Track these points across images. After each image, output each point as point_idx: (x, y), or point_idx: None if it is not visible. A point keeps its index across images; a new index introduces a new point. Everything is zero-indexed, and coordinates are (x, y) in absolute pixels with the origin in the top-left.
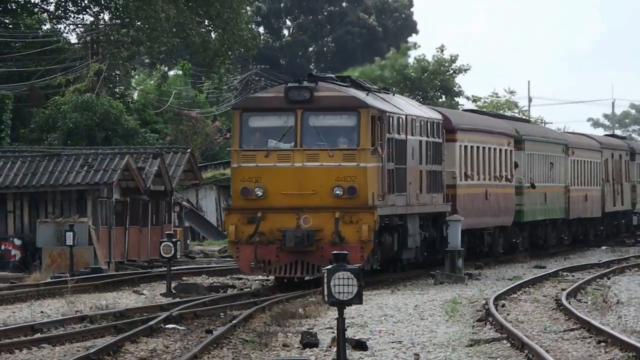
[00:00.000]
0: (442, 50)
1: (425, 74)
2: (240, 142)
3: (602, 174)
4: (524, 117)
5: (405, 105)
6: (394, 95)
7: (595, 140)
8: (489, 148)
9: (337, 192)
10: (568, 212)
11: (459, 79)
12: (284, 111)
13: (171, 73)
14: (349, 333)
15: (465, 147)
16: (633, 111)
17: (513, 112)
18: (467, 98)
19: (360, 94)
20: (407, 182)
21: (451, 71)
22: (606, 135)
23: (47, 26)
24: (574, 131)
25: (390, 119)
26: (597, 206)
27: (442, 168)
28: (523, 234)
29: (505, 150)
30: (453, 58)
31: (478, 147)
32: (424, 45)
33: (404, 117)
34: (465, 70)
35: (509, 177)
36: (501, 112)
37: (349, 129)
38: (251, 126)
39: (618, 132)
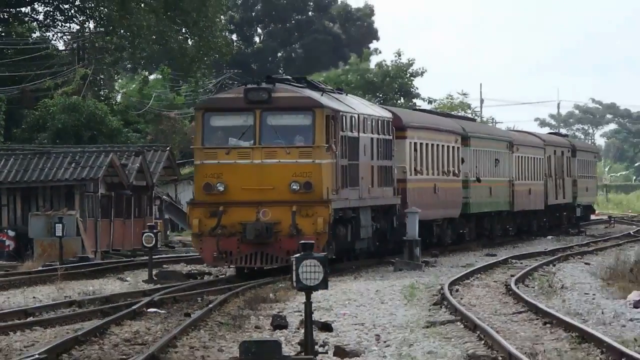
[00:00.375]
0: (399, 55)
1: (387, 79)
2: (203, 140)
3: (545, 170)
4: (475, 117)
5: (358, 105)
6: (346, 95)
7: (538, 138)
8: (438, 145)
9: (294, 187)
10: (512, 204)
11: (417, 82)
12: (243, 111)
13: (152, 77)
14: (316, 316)
15: (415, 143)
16: (577, 111)
17: (466, 112)
18: (424, 99)
19: (315, 95)
20: (360, 177)
21: (408, 74)
22: (549, 133)
23: (37, 34)
24: (519, 129)
25: (344, 117)
26: (540, 199)
27: (392, 163)
28: (470, 224)
29: (453, 147)
30: (410, 62)
31: (427, 144)
32: (385, 51)
33: (356, 116)
34: (422, 73)
35: (457, 172)
36: (454, 112)
37: (305, 128)
38: (213, 125)
39: (563, 131)
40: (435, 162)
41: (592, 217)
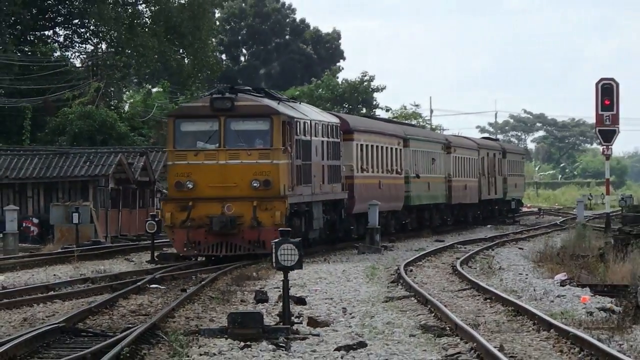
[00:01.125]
0: (364, 76)
1: (355, 94)
2: (174, 143)
3: (479, 169)
4: (425, 125)
5: (310, 112)
6: (300, 103)
7: (473, 141)
8: (382, 146)
9: (255, 184)
10: (450, 198)
11: (376, 95)
12: (209, 118)
13: (154, 90)
14: (292, 292)
15: (361, 145)
16: (512, 120)
17: (417, 120)
18: (382, 109)
19: (273, 103)
20: (312, 175)
21: (370, 89)
22: (483, 137)
23: (58, 53)
24: (457, 134)
25: (298, 123)
26: (475, 194)
27: (340, 163)
28: (412, 216)
29: (396, 148)
30: (371, 78)
31: (372, 145)
32: (350, 68)
33: (308, 121)
34: (382, 89)
35: (399, 170)
36: (408, 121)
37: (264, 132)
38: (183, 130)
39: (500, 136)
40: (380, 161)
41: (524, 209)
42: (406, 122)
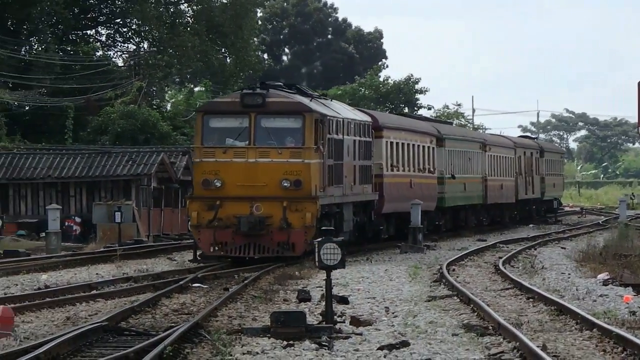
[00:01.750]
0: (410, 78)
1: (398, 94)
2: (202, 140)
3: (516, 168)
4: (467, 124)
5: (342, 110)
6: (331, 101)
7: (510, 140)
8: (413, 144)
9: (285, 184)
10: (486, 198)
11: (419, 95)
12: (239, 114)
13: (196, 89)
14: (335, 291)
15: (391, 142)
16: (553, 120)
17: (459, 120)
18: (425, 108)
19: (305, 100)
20: (344, 175)
21: (414, 91)
22: (520, 136)
23: (100, 53)
24: (493, 133)
25: (330, 122)
26: (511, 194)
27: (371, 163)
28: (446, 216)
29: (428, 147)
30: (416, 80)
31: (403, 143)
32: (392, 66)
33: (341, 120)
34: (425, 91)
35: (432, 169)
36: (450, 121)
37: (296, 130)
38: (211, 126)
39: (542, 136)
40: (411, 160)
41: (567, 208)
42: (443, 120)
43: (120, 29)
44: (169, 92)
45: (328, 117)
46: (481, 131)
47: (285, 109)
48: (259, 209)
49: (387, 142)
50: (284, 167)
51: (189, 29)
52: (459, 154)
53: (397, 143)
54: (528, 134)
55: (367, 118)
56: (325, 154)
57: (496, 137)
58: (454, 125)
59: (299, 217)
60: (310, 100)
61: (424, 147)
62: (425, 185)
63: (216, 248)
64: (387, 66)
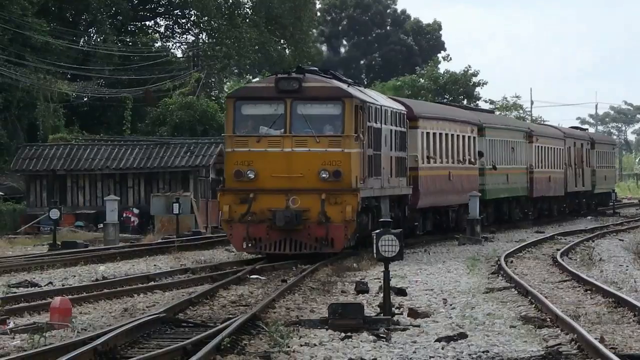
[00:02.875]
0: (467, 70)
1: (456, 86)
2: (234, 128)
3: (565, 159)
4: (525, 116)
5: (378, 97)
6: (365, 88)
7: (559, 130)
8: (452, 134)
9: (323, 175)
10: (531, 191)
11: (478, 88)
12: (274, 100)
13: (255, 80)
14: (392, 282)
15: (427, 133)
16: (612, 112)
17: (518, 112)
18: (485, 101)
19: (343, 85)
20: (382, 167)
21: (472, 83)
22: (571, 127)
23: (159, 44)
24: (542, 122)
25: (370, 108)
26: (560, 186)
27: (406, 155)
28: (487, 210)
29: (469, 136)
30: (475, 72)
31: (440, 134)
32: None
33: (379, 107)
34: (483, 84)
35: (472, 160)
36: (508, 113)
37: (335, 117)
38: (244, 114)
39: (600, 128)
40: (450, 151)
41: (625, 201)
42: (484, 109)
43: (179, 20)
44: (228, 83)
45: (368, 104)
46: (542, 123)
47: (323, 95)
48: (296, 202)
49: (422, 132)
50: (322, 156)
51: (247, 20)
52: (501, 143)
53: (434, 133)
54: (586, 126)
55: (402, 107)
56: (365, 143)
57: (544, 127)
58: (501, 114)
59: (338, 210)
60: (348, 86)
61: (463, 136)
62: (466, 177)
63: (249, 244)
64: (450, 58)
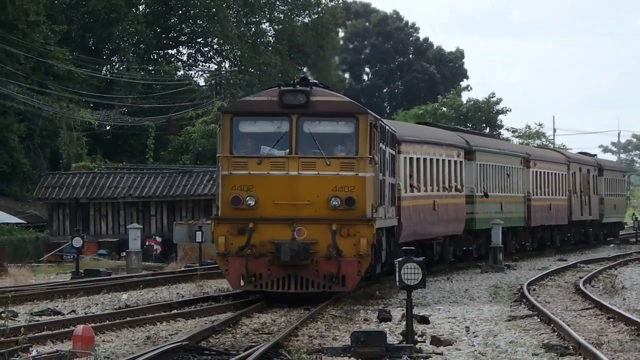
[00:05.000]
0: (491, 98)
1: (478, 113)
2: (231, 148)
3: (569, 186)
4: (548, 144)
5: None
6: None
7: (562, 155)
8: (436, 159)
9: (334, 202)
10: (529, 219)
11: (501, 116)
12: (277, 116)
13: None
14: (415, 310)
15: (411, 159)
16: (635, 140)
17: (541, 140)
18: (507, 129)
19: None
20: (384, 194)
21: (495, 111)
22: (579, 153)
23: (181, 72)
24: (541, 146)
25: (382, 128)
26: (562, 215)
27: (395, 181)
28: (478, 241)
29: (455, 161)
30: (498, 100)
31: (425, 159)
32: (473, 86)
33: (385, 127)
34: (506, 111)
35: (459, 187)
36: (530, 141)
37: (347, 136)
38: (242, 131)
39: (623, 156)
40: (435, 178)
41: None
42: (472, 131)
43: (201, 48)
44: None
45: (380, 122)
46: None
47: (334, 110)
48: (302, 233)
49: (405, 158)
50: (333, 181)
51: (270, 48)
52: (494, 169)
53: (417, 159)
54: (609, 154)
55: (394, 128)
56: (378, 166)
57: (544, 150)
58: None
59: (351, 243)
60: None
61: (449, 161)
62: (452, 206)
63: (248, 281)
64: (470, 88)
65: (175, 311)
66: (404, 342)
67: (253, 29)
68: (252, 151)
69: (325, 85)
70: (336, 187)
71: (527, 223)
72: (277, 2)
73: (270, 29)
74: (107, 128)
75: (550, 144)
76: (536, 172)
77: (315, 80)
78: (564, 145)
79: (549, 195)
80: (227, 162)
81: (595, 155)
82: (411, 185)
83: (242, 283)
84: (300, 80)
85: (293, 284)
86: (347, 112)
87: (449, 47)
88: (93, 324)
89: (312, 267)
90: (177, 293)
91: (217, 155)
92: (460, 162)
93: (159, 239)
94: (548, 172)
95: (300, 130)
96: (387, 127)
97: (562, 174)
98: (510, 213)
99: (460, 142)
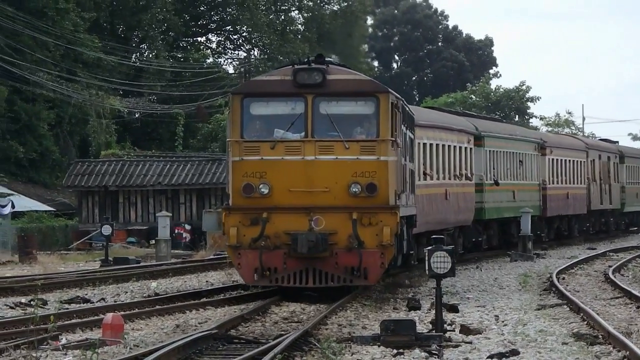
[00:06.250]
0: (521, 86)
1: (509, 102)
2: (242, 131)
3: (589, 173)
4: (577, 132)
5: None
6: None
7: (580, 141)
8: (448, 146)
9: (354, 189)
10: (545, 209)
11: (530, 103)
12: (291, 96)
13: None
14: (444, 299)
15: (424, 144)
16: None
17: (570, 129)
18: (536, 117)
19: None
20: (406, 180)
21: (525, 99)
22: (600, 139)
23: (210, 60)
24: (559, 133)
25: (404, 108)
26: (581, 204)
27: (414, 167)
28: (489, 231)
29: (465, 147)
30: (527, 88)
31: (437, 145)
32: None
33: (406, 108)
34: (536, 99)
35: (469, 175)
36: (559, 129)
37: (367, 117)
38: (253, 114)
39: None
40: (447, 165)
41: None
42: (482, 115)
43: (230, 36)
44: None
45: (401, 102)
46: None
47: (353, 89)
48: (320, 222)
49: (419, 143)
50: (352, 166)
51: (299, 36)
52: (505, 155)
53: (430, 144)
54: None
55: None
56: (401, 150)
57: (561, 137)
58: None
59: (373, 233)
60: None
61: (460, 148)
62: (462, 195)
63: (262, 276)
64: (499, 75)
65: (204, 299)
66: (434, 331)
67: (282, 17)
68: (265, 135)
69: (342, 64)
70: (356, 172)
71: (543, 213)
72: None
73: (299, 17)
74: (136, 116)
75: (579, 133)
76: (552, 159)
77: (331, 59)
78: (592, 134)
79: (566, 183)
80: (237, 147)
81: (617, 142)
82: (424, 173)
83: (255, 277)
84: (315, 57)
85: (311, 278)
86: (367, 91)
87: (478, 35)
88: (122, 312)
89: (331, 260)
90: (207, 281)
91: (227, 140)
92: (470, 148)
93: (188, 227)
94: (565, 160)
95: (317, 112)
96: (407, 108)
97: (581, 161)
98: (524, 202)
99: (470, 128)
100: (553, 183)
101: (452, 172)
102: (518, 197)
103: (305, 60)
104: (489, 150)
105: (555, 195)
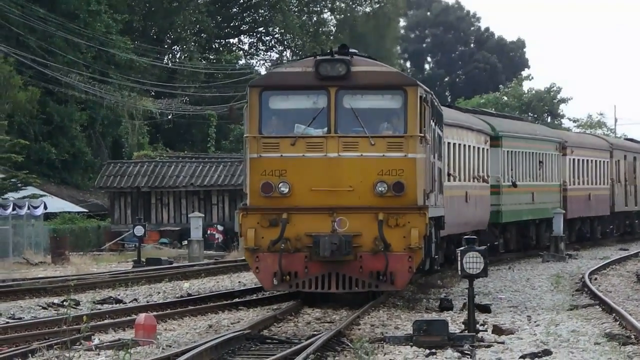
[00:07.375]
0: (552, 87)
1: (541, 103)
2: (260, 127)
3: (613, 174)
4: (609, 134)
5: None
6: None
7: (604, 141)
8: (468, 146)
9: (380, 188)
10: (566, 211)
11: (562, 105)
12: (314, 89)
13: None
14: (477, 299)
15: (449, 144)
16: None
17: (603, 130)
18: (569, 119)
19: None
20: (434, 178)
21: (557, 100)
22: (626, 139)
23: (242, 61)
24: (584, 132)
25: (433, 102)
26: (604, 205)
27: (442, 165)
28: (506, 234)
29: (482, 148)
30: (558, 89)
31: (459, 145)
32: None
33: (434, 102)
34: (567, 100)
35: (486, 177)
36: (592, 131)
37: (394, 112)
38: (272, 108)
39: None
40: (466, 166)
41: None
42: (501, 113)
43: (263, 37)
44: None
45: (430, 96)
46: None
47: (378, 82)
48: (344, 224)
49: (444, 142)
50: (378, 164)
51: (331, 37)
52: (524, 156)
53: (453, 144)
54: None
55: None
56: (429, 147)
57: (584, 136)
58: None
59: (400, 235)
60: None
61: (478, 148)
62: (480, 197)
63: (282, 280)
64: (531, 77)
65: (236, 300)
66: (466, 331)
67: (314, 19)
68: (285, 130)
69: (368, 55)
70: (382, 170)
71: (564, 215)
72: None
73: (331, 19)
74: (169, 117)
75: (611, 134)
76: (573, 159)
77: (352, 50)
78: (624, 135)
79: (588, 184)
80: (255, 143)
81: None
82: (448, 174)
83: (275, 282)
84: (339, 47)
85: (334, 282)
86: (394, 84)
87: (510, 37)
88: (155, 313)
89: (355, 264)
90: (239, 282)
91: (245, 135)
92: (487, 149)
93: (220, 227)
94: (587, 160)
95: (340, 106)
96: (436, 103)
97: (604, 162)
98: (543, 204)
99: (485, 127)
100: (574, 184)
101: (471, 174)
102: (537, 198)
103: (328, 51)
104: (507, 151)
105: (576, 196)
